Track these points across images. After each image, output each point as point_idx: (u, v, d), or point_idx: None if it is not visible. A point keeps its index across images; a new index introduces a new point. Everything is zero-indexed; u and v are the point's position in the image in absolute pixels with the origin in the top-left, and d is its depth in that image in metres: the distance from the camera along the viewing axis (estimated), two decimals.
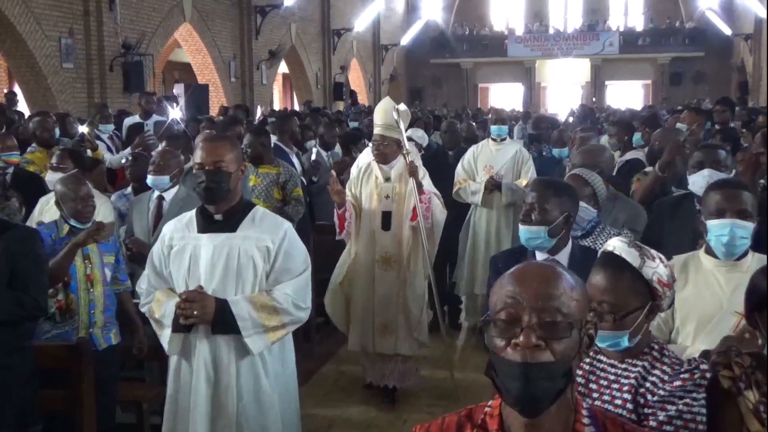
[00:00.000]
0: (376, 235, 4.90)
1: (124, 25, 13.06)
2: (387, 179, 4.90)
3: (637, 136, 6.55)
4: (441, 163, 6.67)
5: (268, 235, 3.08)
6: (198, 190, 3.05)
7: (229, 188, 3.04)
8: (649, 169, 4.94)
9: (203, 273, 3.05)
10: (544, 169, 6.41)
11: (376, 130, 4.87)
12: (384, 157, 4.86)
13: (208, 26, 16.57)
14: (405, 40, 30.35)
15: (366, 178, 4.99)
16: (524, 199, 3.17)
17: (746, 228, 2.76)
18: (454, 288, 6.75)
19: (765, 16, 21.86)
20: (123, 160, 6.82)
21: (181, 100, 13.08)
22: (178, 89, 14.89)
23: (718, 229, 2.77)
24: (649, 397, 2.01)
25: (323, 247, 5.94)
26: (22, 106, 11.86)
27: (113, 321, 3.94)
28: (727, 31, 27.16)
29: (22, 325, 3.27)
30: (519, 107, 26.13)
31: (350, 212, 4.86)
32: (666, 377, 2.04)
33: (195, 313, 2.92)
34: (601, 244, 3.19)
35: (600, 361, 2.14)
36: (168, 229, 3.20)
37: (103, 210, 4.85)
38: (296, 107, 21.33)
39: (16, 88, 12.97)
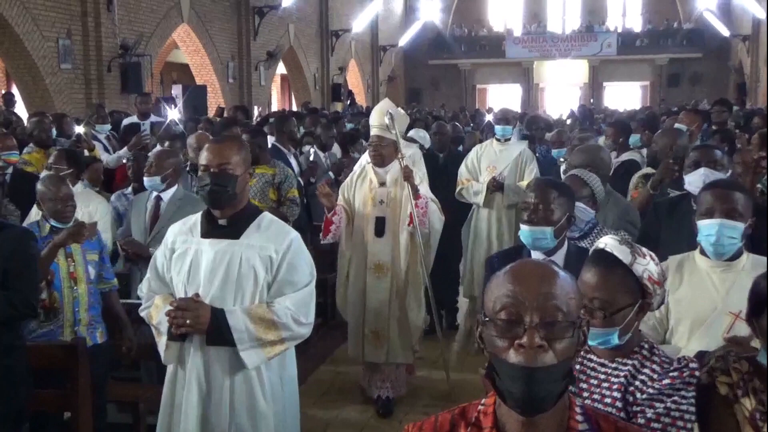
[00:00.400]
0: (369, 241, 4.80)
1: (122, 25, 13.04)
2: (382, 184, 4.79)
3: (633, 138, 6.55)
4: (432, 167, 6.60)
5: (273, 244, 2.91)
6: (202, 193, 2.92)
7: (235, 192, 2.89)
8: (650, 170, 4.92)
9: (202, 279, 2.90)
10: (541, 169, 6.39)
11: (374, 131, 4.78)
12: (381, 158, 4.75)
13: (206, 27, 16.55)
14: (403, 41, 30.28)
15: (360, 182, 4.88)
16: (525, 199, 3.15)
17: (735, 228, 2.74)
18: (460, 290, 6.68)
19: (763, 17, 21.90)
20: (123, 160, 6.82)
21: (179, 101, 13.09)
22: (176, 90, 14.91)
23: (706, 229, 2.77)
24: (638, 395, 2.01)
25: (320, 248, 5.93)
26: (20, 107, 11.86)
27: (99, 319, 3.92)
28: (725, 32, 27.16)
29: (17, 325, 3.26)
30: (517, 108, 26.12)
31: (339, 216, 4.76)
32: (655, 375, 2.03)
33: (188, 321, 2.78)
34: None
35: (590, 360, 2.14)
36: (172, 231, 3.06)
37: (100, 209, 4.87)
38: (294, 108, 21.29)
39: (14, 89, 12.97)
